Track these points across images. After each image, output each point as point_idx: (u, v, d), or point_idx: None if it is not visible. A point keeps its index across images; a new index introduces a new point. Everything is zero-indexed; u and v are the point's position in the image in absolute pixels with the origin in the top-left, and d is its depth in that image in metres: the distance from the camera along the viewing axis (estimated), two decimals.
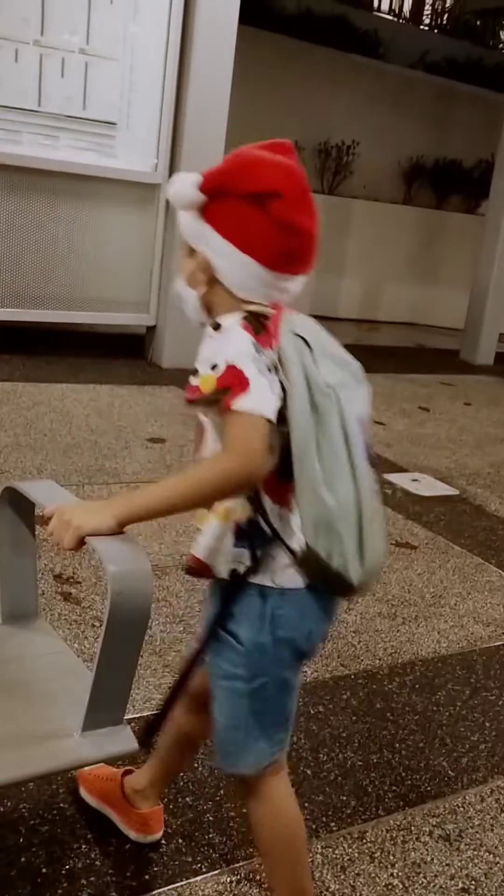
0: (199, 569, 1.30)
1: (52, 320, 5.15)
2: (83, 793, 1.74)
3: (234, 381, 1.16)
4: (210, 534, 1.28)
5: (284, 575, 1.26)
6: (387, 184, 9.52)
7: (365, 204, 9.13)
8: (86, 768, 1.71)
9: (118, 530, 1.16)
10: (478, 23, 11.10)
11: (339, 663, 2.41)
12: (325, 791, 1.90)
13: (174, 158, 5.16)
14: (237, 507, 1.26)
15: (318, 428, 1.21)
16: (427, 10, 10.86)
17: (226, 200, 1.22)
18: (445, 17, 11.12)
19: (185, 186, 1.24)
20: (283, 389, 1.19)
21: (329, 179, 9.07)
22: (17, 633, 1.34)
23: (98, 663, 1.09)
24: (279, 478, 1.22)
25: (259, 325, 1.22)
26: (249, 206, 1.21)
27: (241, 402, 1.15)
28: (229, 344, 1.19)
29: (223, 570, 1.27)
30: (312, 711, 2.17)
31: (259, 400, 1.15)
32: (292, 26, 8.71)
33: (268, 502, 1.24)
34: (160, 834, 1.67)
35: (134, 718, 2.00)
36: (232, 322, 1.22)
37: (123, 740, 1.14)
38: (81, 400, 4.43)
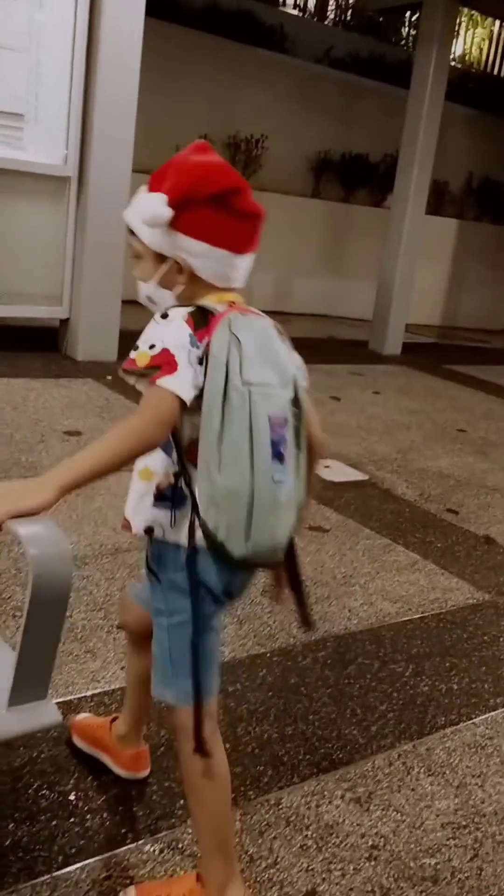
0: (124, 524, 1.48)
1: None
2: (76, 740, 1.94)
3: (164, 363, 1.33)
4: (134, 492, 1.47)
5: (198, 534, 1.39)
6: (296, 177, 9.67)
7: (274, 197, 9.24)
8: (78, 717, 1.98)
9: (44, 506, 1.22)
10: (381, 19, 11.34)
11: (255, 642, 2.51)
12: (244, 763, 1.99)
13: (84, 151, 5.16)
14: (160, 472, 1.43)
15: (226, 419, 1.33)
16: (331, 5, 11.03)
17: (193, 208, 1.39)
18: (349, 12, 11.32)
19: (159, 207, 1.39)
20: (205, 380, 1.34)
21: (239, 173, 9.13)
22: None
23: (22, 642, 1.15)
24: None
25: (203, 320, 1.37)
26: (214, 207, 1.40)
27: (164, 381, 1.32)
28: (170, 332, 1.36)
29: (139, 526, 1.45)
30: (230, 689, 2.26)
31: (180, 384, 1.32)
32: (199, 20, 8.75)
33: (192, 470, 1.39)
34: (147, 772, 1.89)
35: (58, 703, 2.06)
36: (178, 314, 1.38)
37: (48, 714, 1.21)
38: None
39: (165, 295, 1.46)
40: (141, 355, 1.35)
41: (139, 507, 1.45)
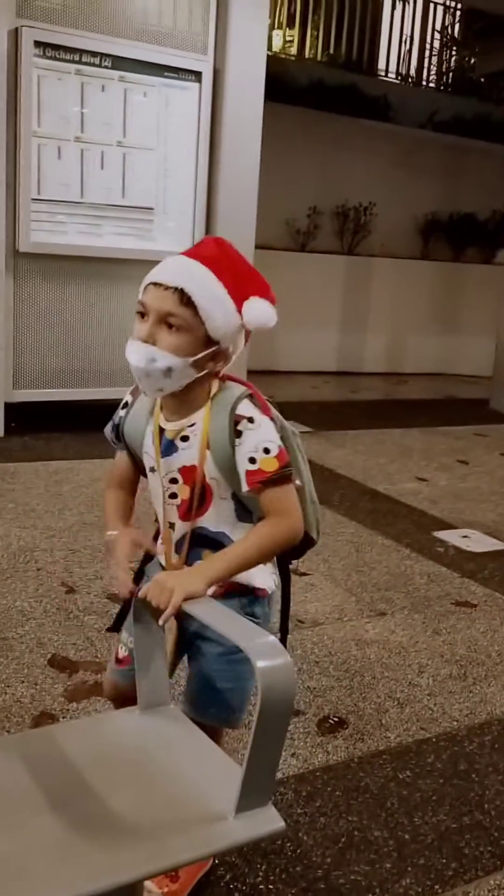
0: (241, 590, 1.62)
1: (98, 398, 5.34)
2: None
3: (287, 458, 1.51)
4: None
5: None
6: (404, 240, 9.78)
7: (384, 261, 9.38)
8: None
9: (205, 593, 1.42)
10: (482, 80, 11.44)
11: (418, 727, 2.50)
12: (426, 854, 1.98)
13: (209, 235, 5.40)
14: None
15: (302, 461, 1.62)
16: (433, 70, 11.22)
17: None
18: (451, 76, 11.48)
19: (273, 318, 1.56)
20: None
21: (348, 240, 9.35)
22: (157, 721, 1.47)
23: (249, 752, 1.21)
24: None
25: (255, 400, 1.55)
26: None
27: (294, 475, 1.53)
28: (267, 429, 1.51)
29: (272, 584, 1.67)
30: (401, 776, 2.26)
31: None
32: (306, 97, 9.05)
33: None
34: None
35: None
36: (255, 411, 1.52)
37: (272, 820, 1.26)
38: None
39: (190, 373, 1.51)
40: (267, 462, 1.49)
41: (261, 570, 1.63)
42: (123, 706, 1.63)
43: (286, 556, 1.68)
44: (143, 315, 1.52)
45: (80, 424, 5.36)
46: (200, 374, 1.53)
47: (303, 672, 2.73)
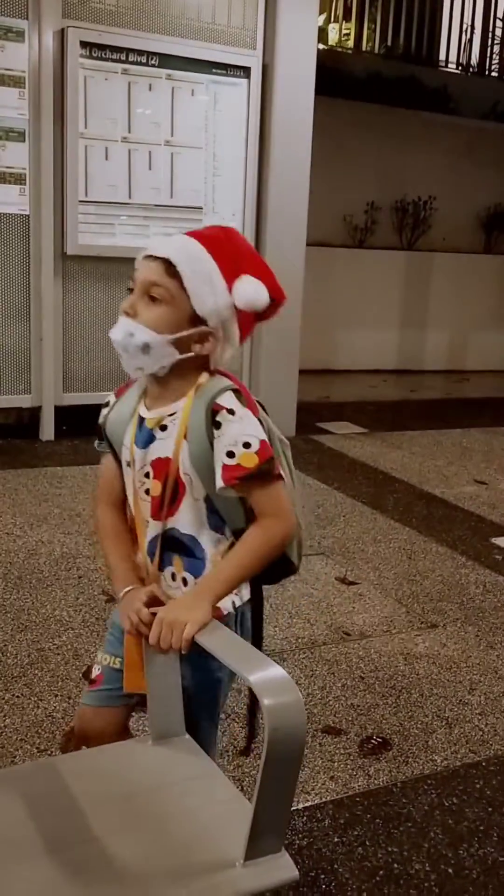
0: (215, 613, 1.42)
1: None
2: None
3: (270, 454, 1.38)
4: None
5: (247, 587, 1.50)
6: (466, 234, 9.52)
7: (445, 256, 9.14)
8: None
9: (210, 617, 1.33)
10: None
11: (468, 749, 2.36)
12: (469, 891, 1.86)
13: (259, 233, 5.31)
14: (227, 549, 1.45)
15: (291, 476, 1.50)
16: (496, 60, 10.90)
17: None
18: None
19: (264, 296, 1.43)
20: None
21: (408, 235, 9.14)
22: (168, 753, 1.38)
23: (258, 794, 1.11)
24: None
25: (241, 397, 1.42)
26: (265, 310, 1.47)
27: (279, 471, 1.41)
28: (250, 422, 1.39)
29: (228, 605, 1.45)
30: (446, 804, 2.13)
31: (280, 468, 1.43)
32: (364, 91, 8.87)
33: None
34: None
35: None
36: (236, 403, 1.40)
37: (284, 868, 1.16)
38: None
39: (170, 353, 1.41)
40: (247, 457, 1.35)
41: None
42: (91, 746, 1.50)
43: (259, 579, 1.49)
44: (132, 291, 1.44)
45: None
46: (184, 357, 1.42)
47: (347, 688, 2.62)
